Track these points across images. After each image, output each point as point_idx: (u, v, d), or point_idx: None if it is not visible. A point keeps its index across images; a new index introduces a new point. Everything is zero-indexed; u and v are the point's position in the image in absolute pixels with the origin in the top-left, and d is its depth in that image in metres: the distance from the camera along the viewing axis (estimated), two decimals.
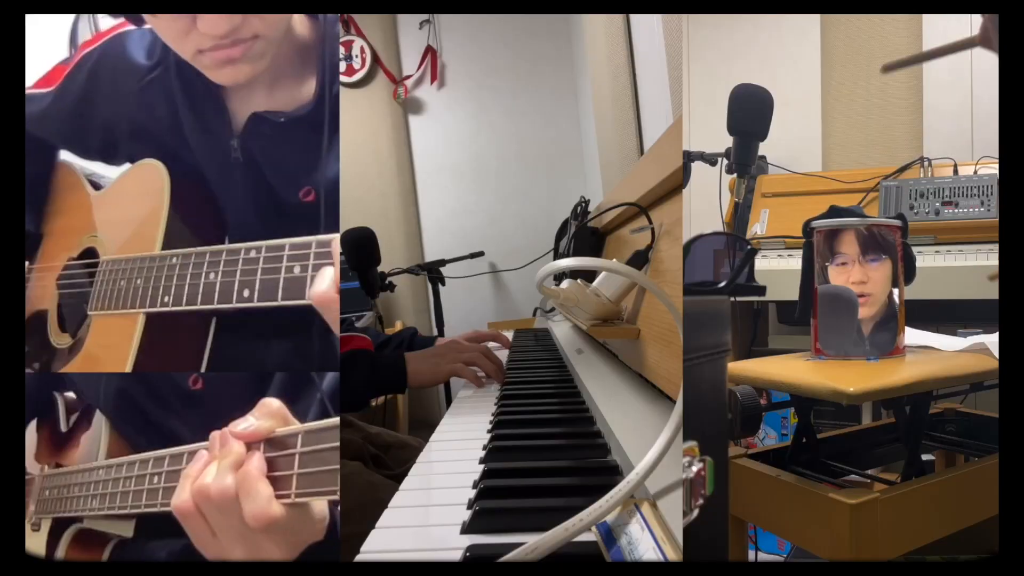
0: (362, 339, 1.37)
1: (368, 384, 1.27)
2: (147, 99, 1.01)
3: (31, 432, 1.11)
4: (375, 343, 1.56)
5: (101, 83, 1.05)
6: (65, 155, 1.15)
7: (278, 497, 0.66)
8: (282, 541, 0.68)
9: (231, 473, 0.67)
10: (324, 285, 0.80)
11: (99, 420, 1.03)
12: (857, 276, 1.05)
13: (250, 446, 0.70)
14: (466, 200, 3.37)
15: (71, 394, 1.11)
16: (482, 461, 0.79)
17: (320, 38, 0.97)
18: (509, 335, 2.01)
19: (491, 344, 1.74)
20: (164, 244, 0.96)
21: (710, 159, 1.67)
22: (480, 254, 3.12)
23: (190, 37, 0.89)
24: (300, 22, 0.97)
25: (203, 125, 0.99)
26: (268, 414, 0.71)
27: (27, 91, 1.08)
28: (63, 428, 1.10)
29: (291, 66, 0.97)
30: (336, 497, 0.68)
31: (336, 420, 0.68)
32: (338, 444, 0.67)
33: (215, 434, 0.71)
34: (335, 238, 0.83)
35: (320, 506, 0.70)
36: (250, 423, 0.70)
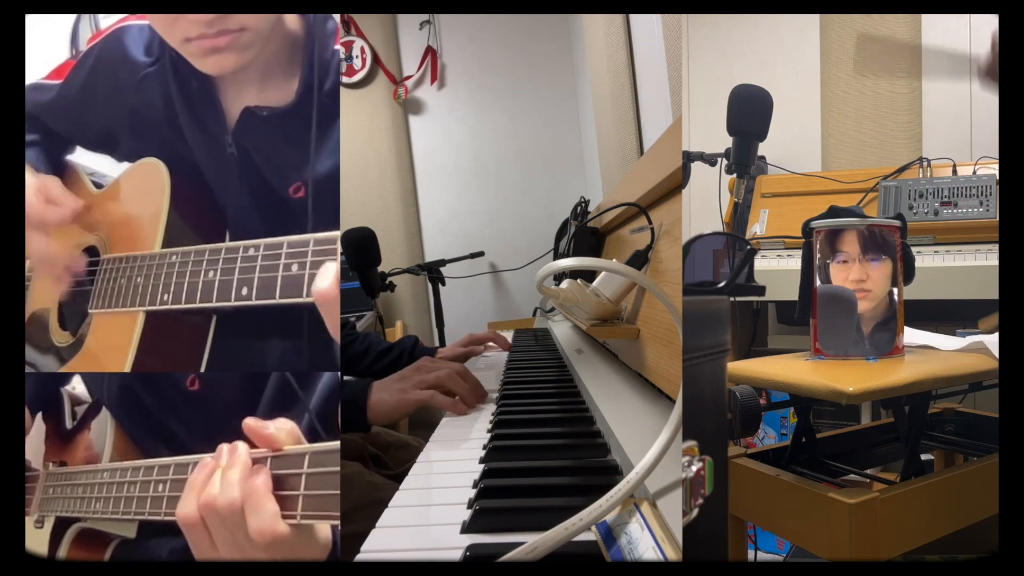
0: None
1: None
2: (145, 94, 1.02)
3: (37, 429, 1.11)
4: (378, 350, 1.54)
5: (101, 77, 1.06)
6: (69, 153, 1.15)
7: (284, 517, 0.66)
8: (283, 559, 0.68)
9: (238, 486, 0.67)
10: (327, 282, 0.79)
11: (104, 417, 1.04)
12: (857, 274, 1.06)
13: (256, 460, 0.70)
14: (466, 200, 3.37)
15: (77, 391, 1.11)
16: (482, 461, 0.79)
17: (311, 34, 0.97)
18: (509, 335, 2.01)
19: (489, 344, 1.73)
20: (165, 242, 0.96)
21: (710, 159, 1.67)
22: (480, 254, 3.12)
23: (178, 24, 0.89)
24: (291, 18, 0.97)
25: (198, 120, 0.99)
26: (283, 430, 0.72)
27: (38, 81, 1.09)
28: (68, 425, 1.10)
29: (282, 62, 0.97)
30: (337, 523, 0.68)
31: (337, 444, 0.68)
32: (339, 468, 0.67)
33: (223, 446, 0.71)
34: (335, 235, 0.82)
35: (324, 529, 0.70)
36: (268, 426, 0.70)
